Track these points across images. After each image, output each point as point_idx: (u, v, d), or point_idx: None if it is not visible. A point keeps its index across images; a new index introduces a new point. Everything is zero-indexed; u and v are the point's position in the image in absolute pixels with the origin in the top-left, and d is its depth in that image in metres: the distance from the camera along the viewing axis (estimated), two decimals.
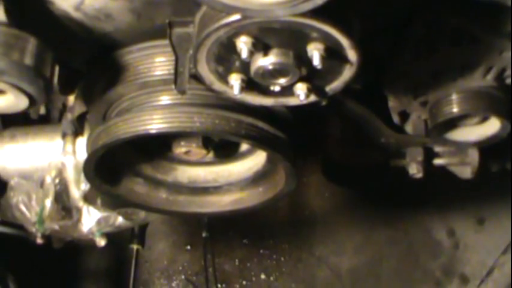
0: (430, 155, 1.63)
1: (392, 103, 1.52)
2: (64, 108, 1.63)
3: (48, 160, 1.58)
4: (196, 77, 1.24)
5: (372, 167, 1.79)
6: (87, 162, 1.41)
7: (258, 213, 1.63)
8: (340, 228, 2.62)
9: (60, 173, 1.57)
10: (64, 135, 1.58)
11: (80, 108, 1.49)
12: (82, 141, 1.56)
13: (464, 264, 2.59)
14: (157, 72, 1.33)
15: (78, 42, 1.34)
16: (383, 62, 1.42)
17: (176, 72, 1.28)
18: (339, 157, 1.72)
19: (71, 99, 1.55)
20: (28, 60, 1.17)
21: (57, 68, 1.33)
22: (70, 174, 1.57)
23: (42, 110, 1.67)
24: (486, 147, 1.58)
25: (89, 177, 1.46)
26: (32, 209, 1.58)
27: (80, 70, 1.44)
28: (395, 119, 1.55)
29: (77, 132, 1.58)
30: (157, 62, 1.33)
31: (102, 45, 1.35)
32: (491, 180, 1.94)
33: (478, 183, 1.75)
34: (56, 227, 1.61)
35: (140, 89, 1.36)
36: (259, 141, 1.36)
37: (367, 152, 1.65)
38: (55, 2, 1.24)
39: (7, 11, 1.17)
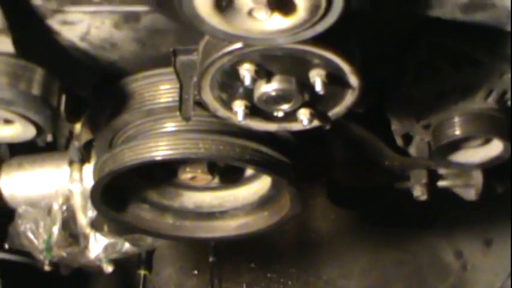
0: (434, 177, 1.63)
1: (395, 126, 1.53)
2: (71, 135, 1.65)
3: (56, 187, 1.60)
4: (200, 104, 1.26)
5: (376, 189, 1.80)
6: (93, 190, 1.42)
7: (264, 236, 1.63)
8: (347, 251, 2.61)
9: (67, 200, 1.58)
10: (71, 163, 1.60)
11: (86, 136, 1.51)
12: (89, 168, 1.58)
13: (472, 286, 2.58)
14: (162, 100, 1.35)
15: (84, 71, 1.37)
16: (385, 86, 1.43)
17: (181, 100, 1.30)
18: (343, 180, 1.72)
19: (78, 127, 1.57)
20: (35, 90, 1.19)
21: (64, 97, 1.35)
22: (77, 202, 1.59)
23: (50, 138, 1.69)
24: (491, 168, 1.59)
25: (95, 204, 1.47)
26: (40, 237, 1.59)
27: (86, 98, 1.47)
28: (399, 141, 1.56)
29: (84, 160, 1.59)
30: (162, 89, 1.35)
31: (108, 74, 1.37)
32: (498, 201, 1.95)
33: (485, 204, 1.76)
34: (64, 254, 1.62)
35: (146, 117, 1.37)
36: (264, 166, 1.37)
37: (371, 175, 1.66)
38: (61, 33, 1.27)
39: (15, 43, 1.20)
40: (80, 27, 1.26)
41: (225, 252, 2.45)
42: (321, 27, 1.03)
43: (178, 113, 1.30)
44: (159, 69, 1.35)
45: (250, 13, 0.99)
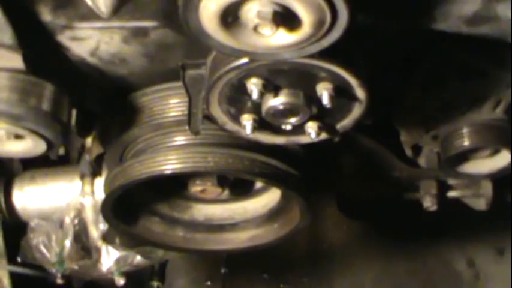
0: (444, 187, 1.63)
1: (404, 137, 1.53)
2: (83, 149, 1.67)
3: (67, 201, 1.61)
4: (209, 118, 1.27)
5: (387, 200, 1.80)
6: (104, 203, 1.44)
7: (276, 247, 1.64)
8: (359, 261, 2.60)
9: (79, 213, 1.59)
10: (82, 176, 1.61)
11: (97, 150, 1.53)
12: (100, 181, 1.59)
13: None
14: (172, 114, 1.37)
15: (94, 86, 1.38)
16: (393, 98, 1.44)
17: (190, 114, 1.31)
18: (353, 191, 1.73)
19: (89, 140, 1.59)
20: (45, 106, 1.21)
21: (74, 111, 1.37)
22: (89, 215, 1.60)
23: (62, 151, 1.70)
24: (502, 177, 1.59)
25: (106, 218, 1.48)
26: (52, 250, 1.61)
27: (97, 112, 1.48)
28: (408, 152, 1.56)
29: (95, 173, 1.61)
30: (171, 103, 1.37)
31: (117, 88, 1.39)
32: (509, 210, 1.94)
33: (496, 212, 1.75)
34: (76, 267, 1.63)
35: (155, 131, 1.39)
36: (273, 179, 1.38)
37: (381, 185, 1.66)
38: (71, 49, 1.28)
39: (25, 59, 1.21)
40: (90, 42, 1.27)
41: (237, 263, 2.45)
42: (326, 42, 1.03)
43: (187, 127, 1.31)
44: (168, 84, 1.36)
45: (255, 29, 1.00)
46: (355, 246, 2.61)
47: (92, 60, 1.30)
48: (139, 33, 1.26)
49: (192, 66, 1.29)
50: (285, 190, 1.44)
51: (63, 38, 1.26)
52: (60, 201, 1.63)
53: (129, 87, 1.39)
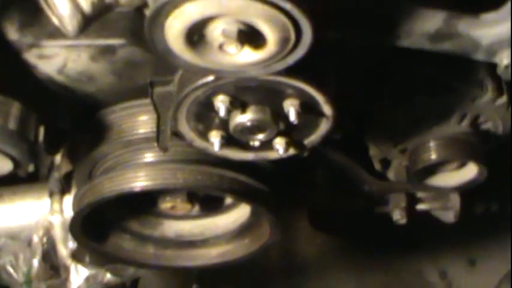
0: (413, 200, 1.65)
1: (372, 151, 1.54)
2: (52, 166, 1.65)
3: (36, 219, 1.60)
4: (178, 134, 1.27)
5: (358, 213, 1.81)
6: (73, 221, 1.43)
7: (249, 262, 1.64)
8: (333, 275, 2.61)
9: (47, 231, 1.58)
10: (51, 194, 1.60)
11: (66, 167, 1.52)
12: (69, 199, 1.58)
13: None
14: (141, 131, 1.36)
15: (62, 104, 1.37)
16: (361, 113, 1.45)
17: (158, 130, 1.31)
18: (324, 205, 1.74)
19: (58, 157, 1.58)
20: (12, 124, 1.20)
21: (42, 129, 1.36)
22: (57, 233, 1.58)
23: (31, 168, 1.69)
24: (471, 189, 1.60)
25: (75, 236, 1.48)
26: (19, 270, 1.59)
27: (65, 130, 1.47)
28: (377, 166, 1.57)
29: (64, 191, 1.59)
30: (140, 120, 1.37)
31: (86, 106, 1.38)
32: (479, 221, 1.96)
33: (467, 224, 1.77)
34: (44, 286, 1.62)
35: (124, 148, 1.38)
36: (242, 195, 1.39)
37: (351, 199, 1.67)
38: (38, 67, 1.28)
39: None
40: (57, 60, 1.27)
41: (209, 279, 2.45)
42: (291, 60, 1.04)
43: (156, 144, 1.31)
44: (136, 101, 1.36)
45: (221, 47, 1.01)
46: (328, 260, 2.62)
47: (59, 78, 1.30)
48: (107, 51, 1.26)
49: (160, 83, 1.29)
50: (255, 206, 1.44)
51: (30, 56, 1.26)
52: (29, 219, 1.61)
53: (98, 104, 1.38)
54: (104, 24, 1.20)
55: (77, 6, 1.09)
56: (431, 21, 1.11)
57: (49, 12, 1.13)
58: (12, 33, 1.22)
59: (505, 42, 1.12)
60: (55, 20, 1.13)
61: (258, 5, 0.96)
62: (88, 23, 1.13)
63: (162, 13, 0.98)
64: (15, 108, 1.22)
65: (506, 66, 1.15)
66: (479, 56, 1.16)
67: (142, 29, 1.03)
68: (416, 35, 1.12)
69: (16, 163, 1.24)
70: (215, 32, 1.00)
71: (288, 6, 0.96)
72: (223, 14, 0.97)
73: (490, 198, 1.85)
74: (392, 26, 1.11)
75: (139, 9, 1.17)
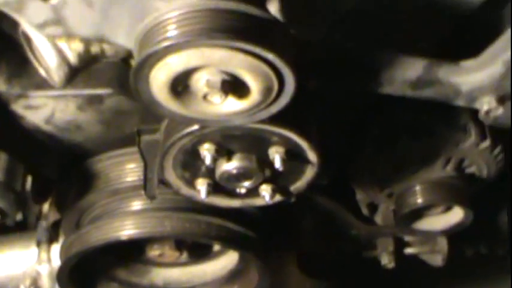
0: (400, 244, 1.65)
1: (359, 196, 1.55)
2: (40, 214, 1.65)
3: (23, 269, 1.59)
4: (165, 182, 1.28)
5: (347, 258, 1.81)
6: (60, 271, 1.42)
7: None
8: None
9: (34, 281, 1.57)
10: (39, 243, 1.59)
11: (54, 216, 1.52)
12: (57, 248, 1.57)
13: None
14: (128, 179, 1.37)
15: (49, 153, 1.38)
16: (347, 158, 1.46)
17: (145, 179, 1.32)
18: (313, 250, 1.73)
19: (46, 206, 1.57)
20: None
21: (29, 179, 1.37)
22: (45, 283, 1.57)
23: (19, 217, 1.69)
24: (460, 233, 1.61)
25: (63, 286, 1.46)
26: None
27: (53, 178, 1.48)
28: (364, 210, 1.58)
29: (52, 240, 1.58)
30: (128, 169, 1.37)
31: (74, 155, 1.39)
32: (468, 265, 1.96)
33: (455, 266, 1.77)
34: None
35: (111, 196, 1.39)
36: (230, 242, 1.39)
37: (339, 244, 1.68)
38: (26, 117, 1.29)
39: None
40: (44, 111, 1.28)
41: None
42: (275, 108, 1.06)
43: (143, 192, 1.32)
44: (124, 149, 1.37)
45: (205, 97, 1.02)
46: None
47: (47, 127, 1.31)
48: (94, 101, 1.27)
49: (147, 131, 1.30)
50: (243, 252, 1.44)
51: (18, 107, 1.27)
52: (16, 269, 1.60)
53: (85, 153, 1.39)
54: (90, 74, 1.22)
55: (63, 58, 1.11)
56: (412, 68, 1.13)
57: (36, 64, 1.14)
58: (0, 84, 1.23)
59: (484, 88, 1.14)
60: (42, 71, 1.15)
61: (240, 55, 0.97)
62: (75, 74, 1.15)
63: (146, 65, 1.00)
64: (1, 159, 1.23)
65: (487, 112, 1.16)
66: (460, 102, 1.18)
67: (128, 78, 1.04)
68: (397, 82, 1.14)
69: (3, 213, 1.24)
70: (199, 82, 1.01)
71: (271, 56, 0.98)
72: (206, 65, 0.99)
73: (479, 241, 1.86)
74: (374, 74, 1.13)
75: (126, 60, 1.19)
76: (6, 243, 1.63)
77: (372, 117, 1.38)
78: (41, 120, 1.30)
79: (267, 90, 1.02)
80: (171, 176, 1.25)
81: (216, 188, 1.25)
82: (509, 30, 1.08)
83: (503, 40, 1.10)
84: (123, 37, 1.04)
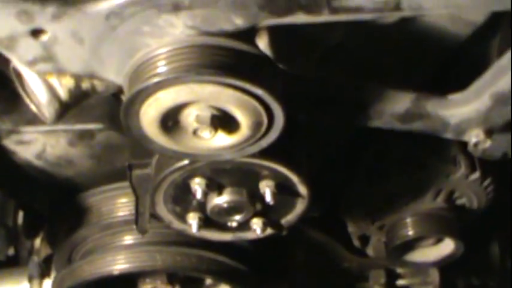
0: (392, 276, 1.65)
1: (351, 228, 1.56)
2: (32, 249, 1.65)
3: None
4: (156, 217, 1.28)
5: None
6: None
7: None
8: None
9: None
10: (30, 279, 1.58)
11: (45, 251, 1.51)
12: (49, 283, 1.57)
13: None
14: (120, 214, 1.38)
15: (41, 188, 1.38)
16: (337, 191, 1.47)
17: (137, 213, 1.31)
18: (304, 283, 1.73)
19: (38, 241, 1.57)
20: None
21: (20, 214, 1.37)
22: None
23: (11, 252, 1.68)
24: (452, 264, 1.61)
25: None
26: None
27: (44, 213, 1.48)
28: (356, 243, 1.58)
29: (44, 275, 1.58)
30: (119, 203, 1.38)
31: (65, 189, 1.39)
32: None
33: None
34: None
35: (103, 230, 1.39)
36: (221, 275, 1.39)
37: (331, 277, 1.67)
38: (17, 153, 1.29)
39: None
40: (36, 146, 1.29)
41: None
42: (265, 142, 1.07)
43: (135, 226, 1.32)
44: (115, 184, 1.38)
45: (195, 132, 1.03)
46: None
47: (38, 163, 1.32)
48: (85, 136, 1.28)
49: (138, 166, 1.31)
50: (234, 286, 1.44)
51: (9, 143, 1.28)
52: None
53: (77, 188, 1.40)
54: (81, 110, 1.22)
55: (54, 94, 1.11)
56: (400, 102, 1.14)
57: (27, 100, 1.15)
58: None
59: (472, 121, 1.15)
60: (33, 107, 1.15)
61: (229, 91, 0.98)
62: (66, 110, 1.15)
63: (136, 101, 1.00)
64: None
65: (475, 145, 1.17)
66: (449, 135, 1.19)
67: (119, 114, 1.05)
68: (386, 115, 1.15)
69: None
70: (189, 117, 1.02)
71: (260, 92, 0.99)
72: (196, 101, 1.00)
73: (471, 272, 1.86)
74: (363, 108, 1.14)
75: (116, 95, 1.20)
76: None
77: (363, 150, 1.39)
78: (32, 156, 1.30)
79: (256, 125, 1.03)
80: (163, 210, 1.25)
81: (207, 221, 1.25)
82: (495, 65, 1.09)
83: (489, 74, 1.11)
84: (113, 73, 1.05)
